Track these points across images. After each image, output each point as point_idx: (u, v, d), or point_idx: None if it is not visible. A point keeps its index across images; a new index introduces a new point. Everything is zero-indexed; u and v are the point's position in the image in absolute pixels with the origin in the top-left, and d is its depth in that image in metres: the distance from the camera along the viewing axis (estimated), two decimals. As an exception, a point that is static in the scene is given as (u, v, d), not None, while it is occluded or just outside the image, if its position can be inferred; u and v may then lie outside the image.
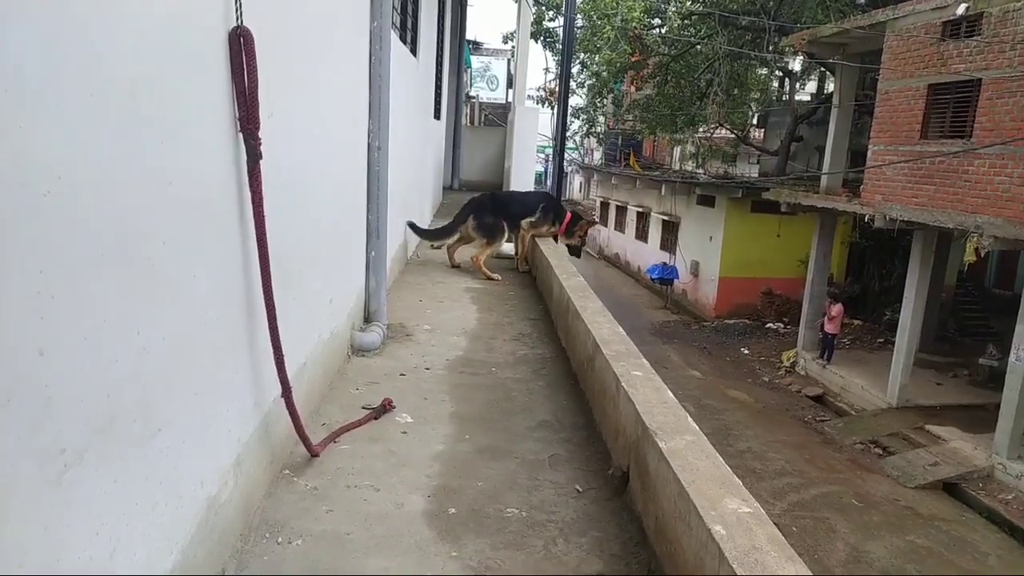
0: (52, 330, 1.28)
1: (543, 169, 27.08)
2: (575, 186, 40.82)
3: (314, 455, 2.78)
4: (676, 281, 21.05)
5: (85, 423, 1.41)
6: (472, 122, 20.21)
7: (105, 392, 1.48)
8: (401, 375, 4.04)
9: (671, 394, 2.85)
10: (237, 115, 2.11)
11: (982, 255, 11.19)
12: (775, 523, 6.30)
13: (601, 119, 27.21)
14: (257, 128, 2.14)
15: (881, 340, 16.10)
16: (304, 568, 2.21)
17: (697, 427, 2.52)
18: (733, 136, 23.03)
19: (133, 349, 1.59)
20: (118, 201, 1.50)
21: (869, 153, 13.51)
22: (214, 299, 2.07)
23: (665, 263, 21.56)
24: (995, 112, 10.73)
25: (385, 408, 3.39)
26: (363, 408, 3.45)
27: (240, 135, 2.14)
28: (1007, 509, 9.93)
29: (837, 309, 14.59)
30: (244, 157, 2.16)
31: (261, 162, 2.18)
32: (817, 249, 15.55)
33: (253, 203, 2.19)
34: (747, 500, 2.01)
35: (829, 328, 14.67)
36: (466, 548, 2.36)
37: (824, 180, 15.21)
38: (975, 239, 10.71)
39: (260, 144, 2.16)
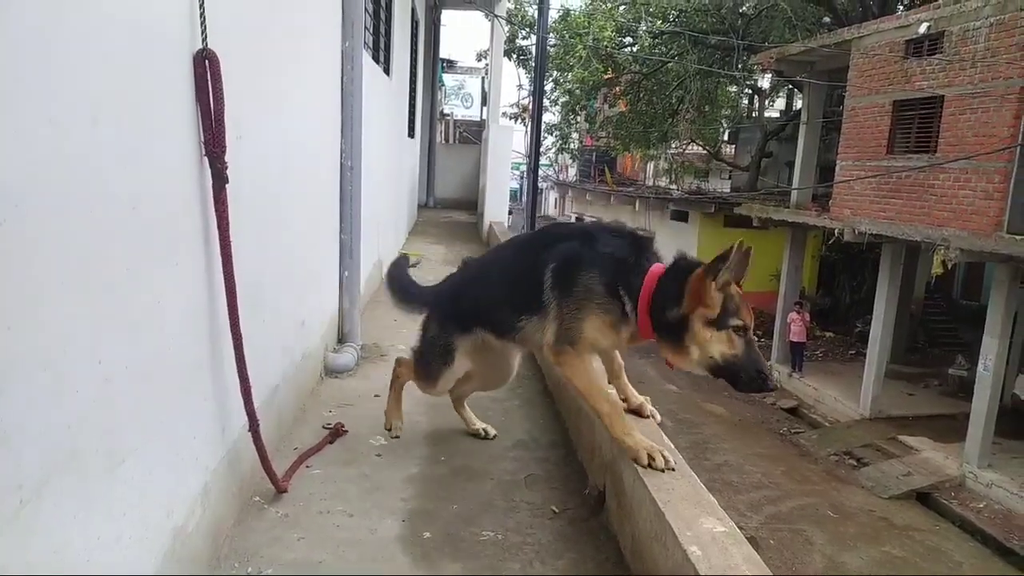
0: (8, 361, 1.25)
1: (518, 186, 27.18)
2: (550, 202, 41.05)
3: (281, 491, 2.72)
4: (651, 296, 21.17)
5: (44, 456, 1.37)
6: (447, 139, 20.26)
7: (66, 423, 1.44)
8: (375, 396, 3.98)
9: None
10: (203, 138, 2.08)
11: (949, 267, 11.44)
12: (752, 536, 6.30)
13: (575, 136, 27.46)
14: (223, 151, 2.11)
15: (852, 352, 16.33)
16: (275, 598, 2.16)
17: (672, 445, 2.52)
18: (705, 152, 23.36)
19: (95, 378, 1.55)
20: (79, 227, 1.47)
21: (837, 168, 13.79)
22: (179, 327, 2.03)
23: (640, 277, 21.70)
24: (958, 127, 11.02)
25: (337, 432, 3.33)
26: (324, 427, 3.40)
27: (205, 158, 2.11)
28: (978, 518, 10.09)
29: (795, 317, 14.79)
30: (210, 180, 2.13)
31: (228, 186, 2.15)
32: (788, 263, 15.78)
33: (219, 227, 2.16)
34: (722, 519, 2.00)
35: (794, 337, 14.86)
36: (442, 573, 2.33)
37: (794, 195, 15.48)
38: (942, 252, 10.95)
39: (226, 167, 2.13)
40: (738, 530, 1.96)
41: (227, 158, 2.13)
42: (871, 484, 11.03)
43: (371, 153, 5.42)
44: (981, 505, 10.41)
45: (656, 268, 2.31)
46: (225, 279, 2.21)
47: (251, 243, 2.65)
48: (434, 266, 8.35)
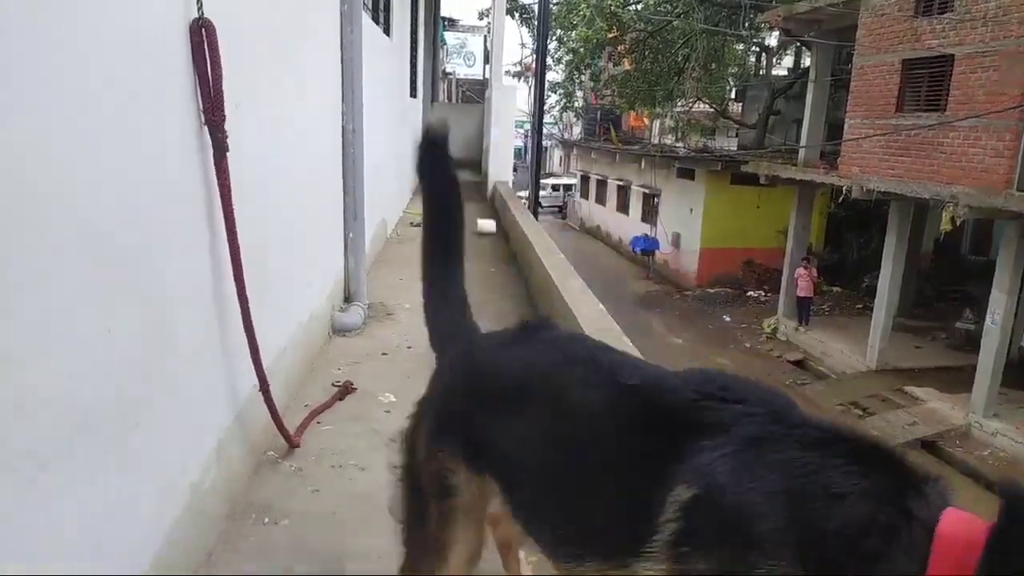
0: (20, 332, 1.29)
1: (522, 144, 26.99)
2: (555, 160, 40.76)
3: (293, 446, 2.81)
4: (658, 252, 21.18)
5: (59, 424, 1.43)
6: (450, 99, 20.06)
7: (78, 390, 1.50)
8: (383, 354, 4.07)
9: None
10: (201, 107, 2.10)
11: (958, 224, 11.36)
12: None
13: (579, 94, 27.10)
14: (222, 120, 2.13)
15: (860, 306, 16.34)
16: (294, 547, 2.25)
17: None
18: (712, 110, 23.05)
19: (105, 349, 1.60)
20: (79, 203, 1.49)
21: (846, 126, 13.61)
22: (186, 294, 2.09)
23: (647, 235, 21.67)
24: (968, 86, 10.85)
25: (346, 389, 3.41)
26: (333, 385, 3.47)
27: (205, 128, 2.13)
28: (984, 465, 10.21)
29: (802, 272, 14.80)
30: (211, 149, 2.15)
31: (228, 154, 2.17)
32: (796, 220, 15.70)
33: (221, 196, 2.19)
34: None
35: (801, 292, 14.89)
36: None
37: (802, 153, 15.32)
38: (951, 208, 10.87)
39: (226, 136, 2.15)
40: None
41: (227, 127, 2.15)
42: (878, 433, 11.17)
43: (373, 114, 5.41)
44: (986, 452, 10.56)
45: (955, 521, 0.95)
46: (230, 246, 2.25)
47: (255, 209, 2.69)
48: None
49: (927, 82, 11.89)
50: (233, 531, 2.31)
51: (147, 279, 1.82)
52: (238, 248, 2.26)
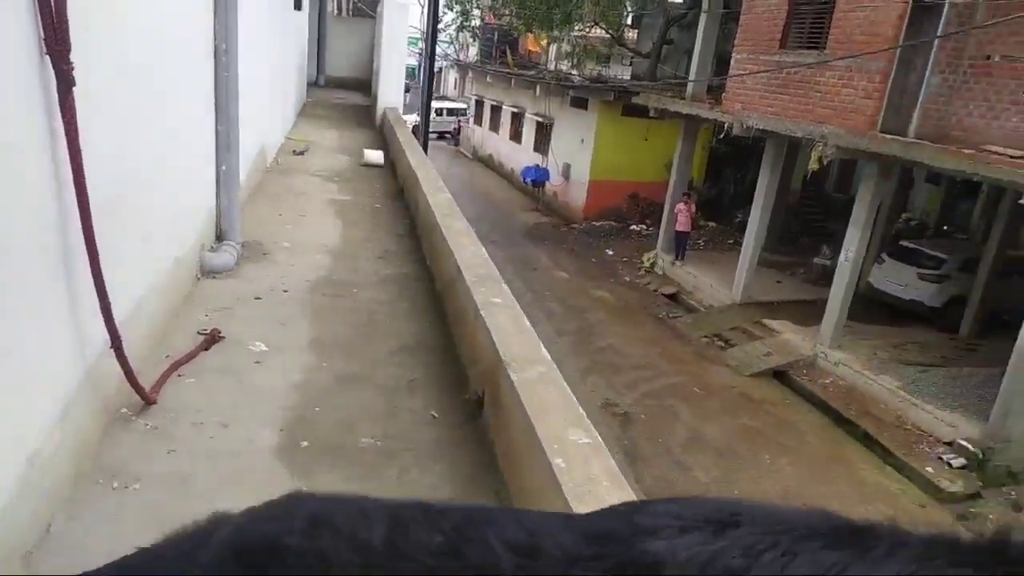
0: None
1: (416, 63, 25.92)
2: (450, 83, 39.55)
3: (150, 403, 2.65)
4: (548, 183, 21.31)
5: None
6: (340, 12, 18.82)
7: None
8: (256, 298, 3.90)
9: (527, 321, 2.94)
10: (42, 36, 1.84)
11: (824, 163, 12.08)
12: (625, 412, 6.77)
13: (476, 12, 26.15)
14: (67, 50, 1.89)
15: (731, 241, 17.28)
16: (146, 515, 2.15)
17: (549, 357, 2.63)
18: (608, 36, 22.95)
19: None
20: None
21: (732, 61, 13.96)
22: (25, 247, 1.88)
23: (538, 165, 21.69)
24: (847, 25, 11.32)
25: (213, 338, 3.26)
26: (199, 333, 3.31)
27: (47, 58, 1.87)
28: (824, 392, 11.30)
29: (681, 207, 15.42)
30: (54, 83, 1.91)
31: (75, 88, 1.94)
32: (680, 153, 16.17)
33: (67, 135, 1.97)
34: (588, 430, 2.15)
35: (679, 227, 15.54)
36: (318, 482, 2.40)
37: (690, 87, 15.63)
38: (820, 148, 11.51)
39: (72, 68, 1.92)
40: (601, 441, 2.11)
41: (73, 58, 1.91)
42: (735, 363, 12.05)
43: (250, 33, 4.97)
44: (827, 381, 11.65)
45: None
46: (77, 191, 2.04)
47: (108, 147, 2.43)
48: (324, 155, 8.00)
49: (811, 19, 12.32)
50: (79, 499, 2.18)
51: None
52: (86, 194, 2.06)
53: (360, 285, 4.29)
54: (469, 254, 3.80)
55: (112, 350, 2.35)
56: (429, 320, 3.89)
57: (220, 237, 4.37)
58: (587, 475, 1.93)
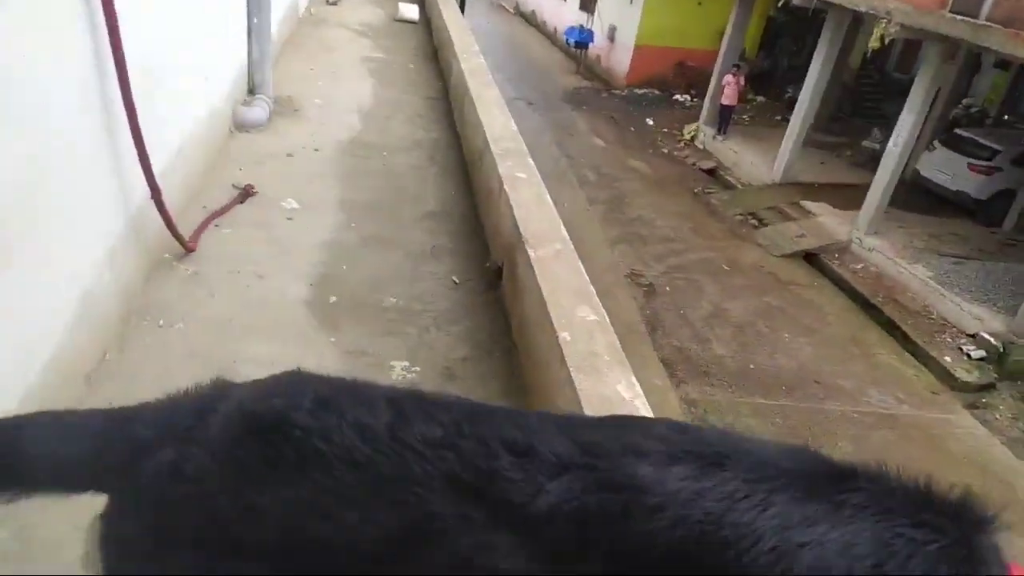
0: None
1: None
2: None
3: (189, 251, 2.81)
4: (591, 45, 20.31)
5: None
6: None
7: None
8: (288, 155, 3.97)
9: (549, 198, 2.99)
10: None
11: (887, 42, 11.32)
12: (650, 283, 6.89)
13: None
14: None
15: (779, 118, 16.57)
16: (188, 352, 2.36)
17: (566, 234, 2.70)
18: None
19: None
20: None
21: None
22: (69, 116, 1.99)
23: (582, 26, 20.57)
24: None
25: (248, 192, 3.36)
26: (234, 187, 3.41)
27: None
28: (854, 277, 11.24)
29: (730, 79, 14.72)
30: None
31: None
32: (734, 22, 15.20)
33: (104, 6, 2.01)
34: (596, 308, 2.26)
35: (725, 100, 14.93)
36: (344, 335, 2.58)
37: (753, -57, 14.43)
38: (883, 25, 10.75)
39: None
40: (608, 319, 2.22)
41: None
42: (767, 243, 11.98)
43: None
44: (859, 267, 11.56)
45: None
46: (113, 51, 2.10)
47: (139, 9, 2.44)
48: (357, 5, 7.70)
49: None
50: (128, 335, 2.38)
51: (25, 103, 1.72)
52: (122, 52, 2.11)
53: (390, 148, 4.32)
54: (499, 126, 3.77)
55: (152, 201, 2.47)
56: (456, 188, 3.95)
57: (252, 91, 4.37)
58: (591, 349, 2.06)
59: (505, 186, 3.02)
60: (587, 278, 2.45)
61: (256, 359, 2.33)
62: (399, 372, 2.42)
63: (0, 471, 0.99)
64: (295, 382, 0.98)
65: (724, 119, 15.27)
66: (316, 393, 0.92)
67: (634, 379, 1.97)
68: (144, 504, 0.91)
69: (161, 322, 2.48)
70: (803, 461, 0.86)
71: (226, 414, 0.89)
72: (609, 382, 1.94)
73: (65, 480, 0.99)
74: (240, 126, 4.07)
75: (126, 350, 2.32)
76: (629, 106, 17.89)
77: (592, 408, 1.81)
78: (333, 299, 2.77)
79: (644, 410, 1.83)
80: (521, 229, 2.67)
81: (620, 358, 2.05)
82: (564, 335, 2.10)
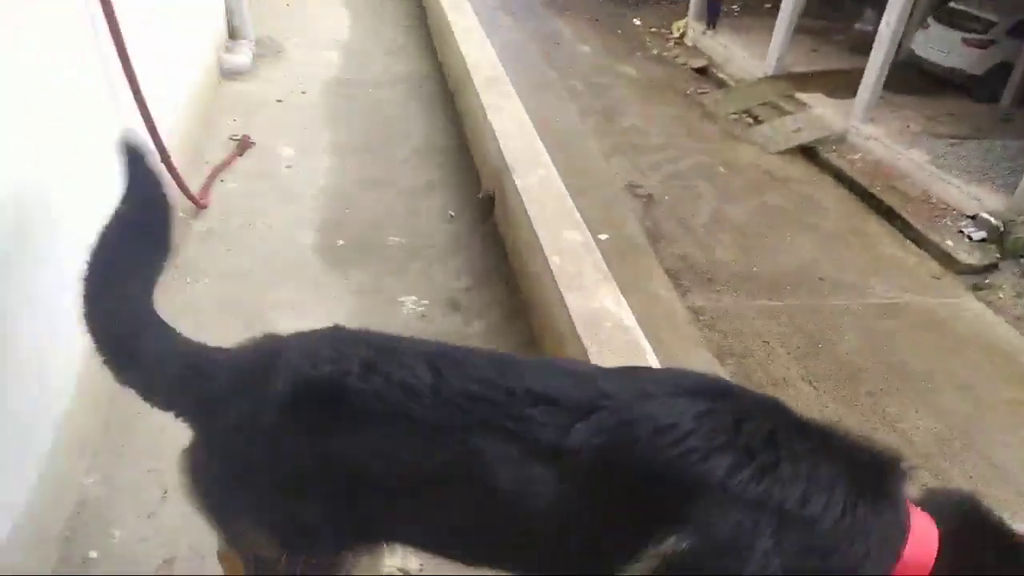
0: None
1: None
2: None
3: (202, 208, 2.97)
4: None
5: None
6: None
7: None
8: (277, 101, 4.05)
9: (530, 124, 3.11)
10: None
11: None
12: (649, 194, 6.99)
13: None
14: None
15: (768, 5, 16.09)
16: (218, 304, 2.55)
17: (550, 160, 2.84)
18: None
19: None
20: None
21: None
22: (75, 92, 2.09)
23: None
24: None
25: (245, 144, 3.48)
26: (231, 139, 3.52)
27: None
28: (852, 168, 11.24)
29: None
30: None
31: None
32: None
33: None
34: (581, 230, 2.44)
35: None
36: (355, 276, 2.77)
37: None
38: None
39: None
40: (592, 240, 2.40)
41: None
42: (763, 141, 11.94)
43: None
44: (856, 157, 11.52)
45: (921, 528, 1.06)
46: (112, 31, 2.20)
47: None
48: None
49: None
50: (160, 289, 2.57)
51: (36, 82, 1.82)
52: (119, 31, 2.21)
53: (373, 84, 4.37)
54: (477, 54, 3.83)
55: (162, 163, 2.61)
56: (442, 119, 4.03)
57: (233, 35, 4.40)
58: (578, 270, 2.25)
59: (488, 115, 3.13)
60: (571, 202, 2.62)
61: (281, 305, 2.53)
62: (409, 307, 2.62)
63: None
64: (339, 344, 1.16)
65: (713, 11, 14.86)
66: (361, 358, 1.11)
67: (620, 294, 2.17)
68: (224, 447, 1.15)
69: (188, 279, 2.67)
70: (773, 411, 1.11)
71: (285, 377, 1.10)
72: (598, 298, 2.14)
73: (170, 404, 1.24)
74: (227, 72, 4.13)
75: (160, 304, 2.52)
76: (613, 6, 17.38)
77: (583, 321, 2.02)
78: (340, 243, 2.95)
79: (628, 320, 2.04)
80: (507, 158, 2.81)
81: (606, 275, 2.24)
82: (554, 259, 2.29)
